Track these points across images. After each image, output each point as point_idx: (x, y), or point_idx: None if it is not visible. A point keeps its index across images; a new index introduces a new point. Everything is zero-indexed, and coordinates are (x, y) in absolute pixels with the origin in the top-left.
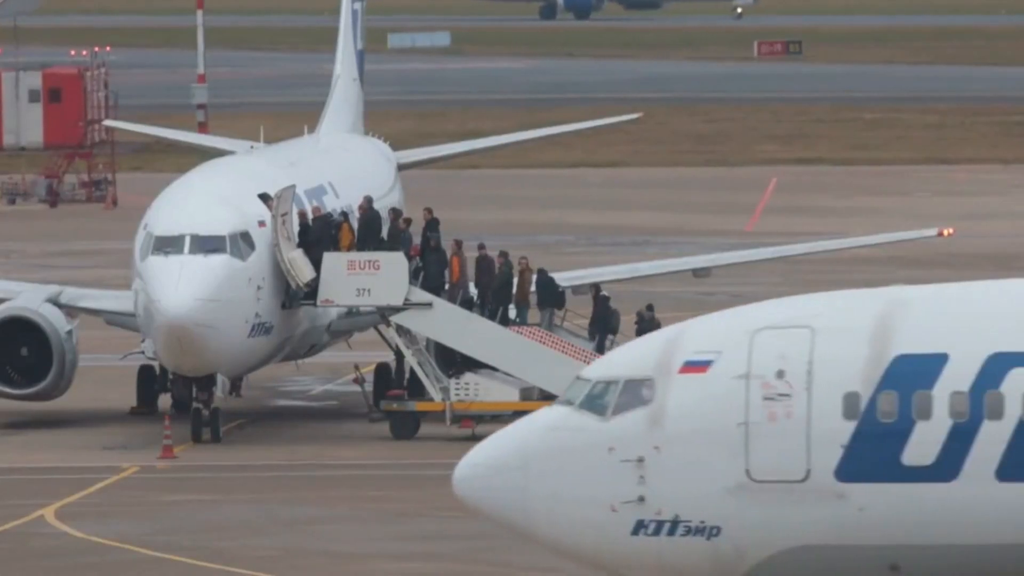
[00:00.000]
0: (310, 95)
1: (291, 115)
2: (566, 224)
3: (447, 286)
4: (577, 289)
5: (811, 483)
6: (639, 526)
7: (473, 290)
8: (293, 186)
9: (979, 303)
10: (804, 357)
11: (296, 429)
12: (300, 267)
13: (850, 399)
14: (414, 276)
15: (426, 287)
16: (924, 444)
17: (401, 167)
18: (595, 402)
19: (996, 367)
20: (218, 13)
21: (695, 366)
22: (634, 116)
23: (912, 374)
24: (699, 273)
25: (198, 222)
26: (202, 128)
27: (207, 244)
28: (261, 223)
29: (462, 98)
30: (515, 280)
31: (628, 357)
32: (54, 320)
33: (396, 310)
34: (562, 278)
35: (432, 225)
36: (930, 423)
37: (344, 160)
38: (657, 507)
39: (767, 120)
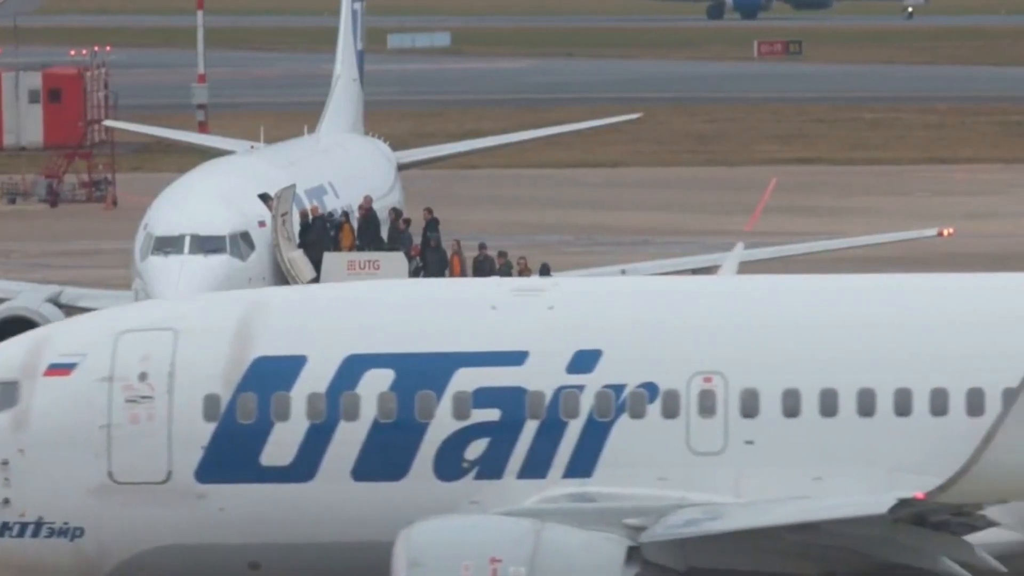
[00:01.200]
0: (310, 95)
1: (291, 115)
2: (566, 224)
3: None
4: None
5: (172, 484)
6: (3, 528)
7: None
8: (293, 186)
9: (337, 306)
10: (166, 359)
11: None
12: (300, 267)
13: (210, 401)
14: (414, 276)
15: None
16: (282, 445)
17: (401, 167)
18: None
19: (352, 369)
20: (218, 13)
21: (60, 369)
22: (634, 116)
23: (271, 376)
24: (699, 273)
25: (198, 222)
26: (202, 128)
27: (207, 244)
28: (261, 223)
29: (462, 98)
30: None
31: None
32: (54, 320)
33: None
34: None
35: (432, 225)
36: (288, 424)
37: (344, 160)
38: (21, 509)
39: (767, 120)
